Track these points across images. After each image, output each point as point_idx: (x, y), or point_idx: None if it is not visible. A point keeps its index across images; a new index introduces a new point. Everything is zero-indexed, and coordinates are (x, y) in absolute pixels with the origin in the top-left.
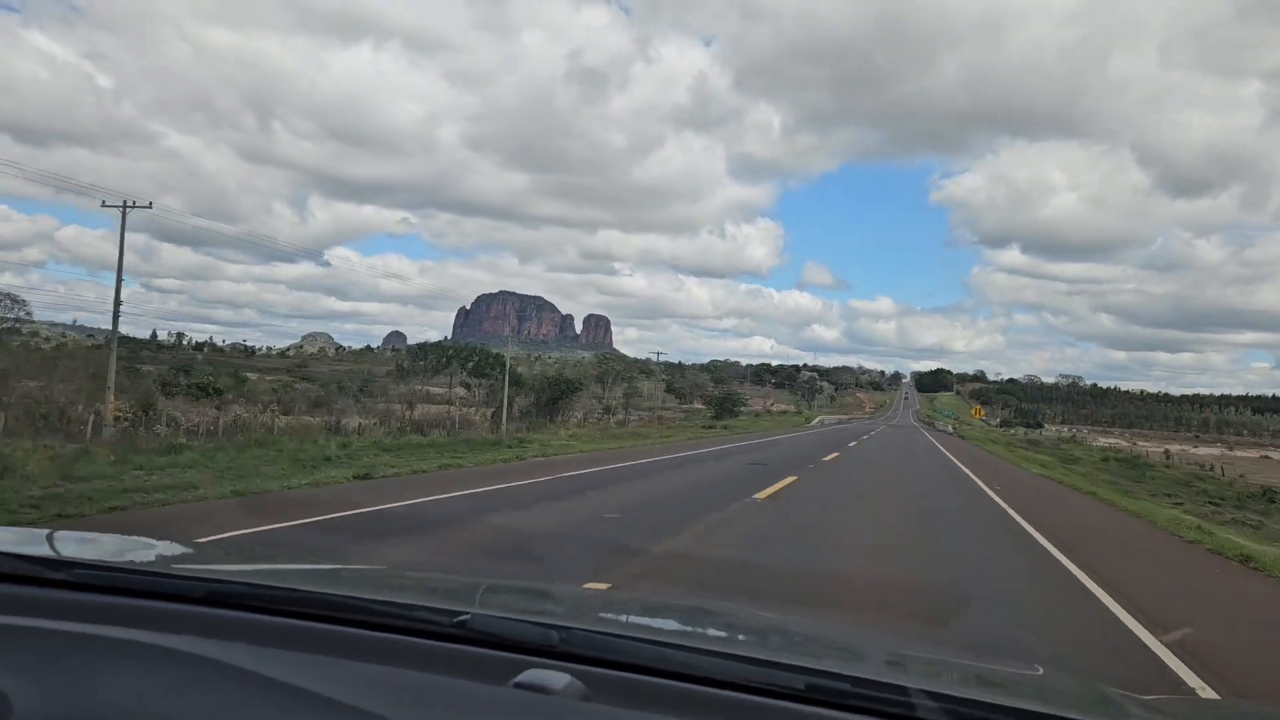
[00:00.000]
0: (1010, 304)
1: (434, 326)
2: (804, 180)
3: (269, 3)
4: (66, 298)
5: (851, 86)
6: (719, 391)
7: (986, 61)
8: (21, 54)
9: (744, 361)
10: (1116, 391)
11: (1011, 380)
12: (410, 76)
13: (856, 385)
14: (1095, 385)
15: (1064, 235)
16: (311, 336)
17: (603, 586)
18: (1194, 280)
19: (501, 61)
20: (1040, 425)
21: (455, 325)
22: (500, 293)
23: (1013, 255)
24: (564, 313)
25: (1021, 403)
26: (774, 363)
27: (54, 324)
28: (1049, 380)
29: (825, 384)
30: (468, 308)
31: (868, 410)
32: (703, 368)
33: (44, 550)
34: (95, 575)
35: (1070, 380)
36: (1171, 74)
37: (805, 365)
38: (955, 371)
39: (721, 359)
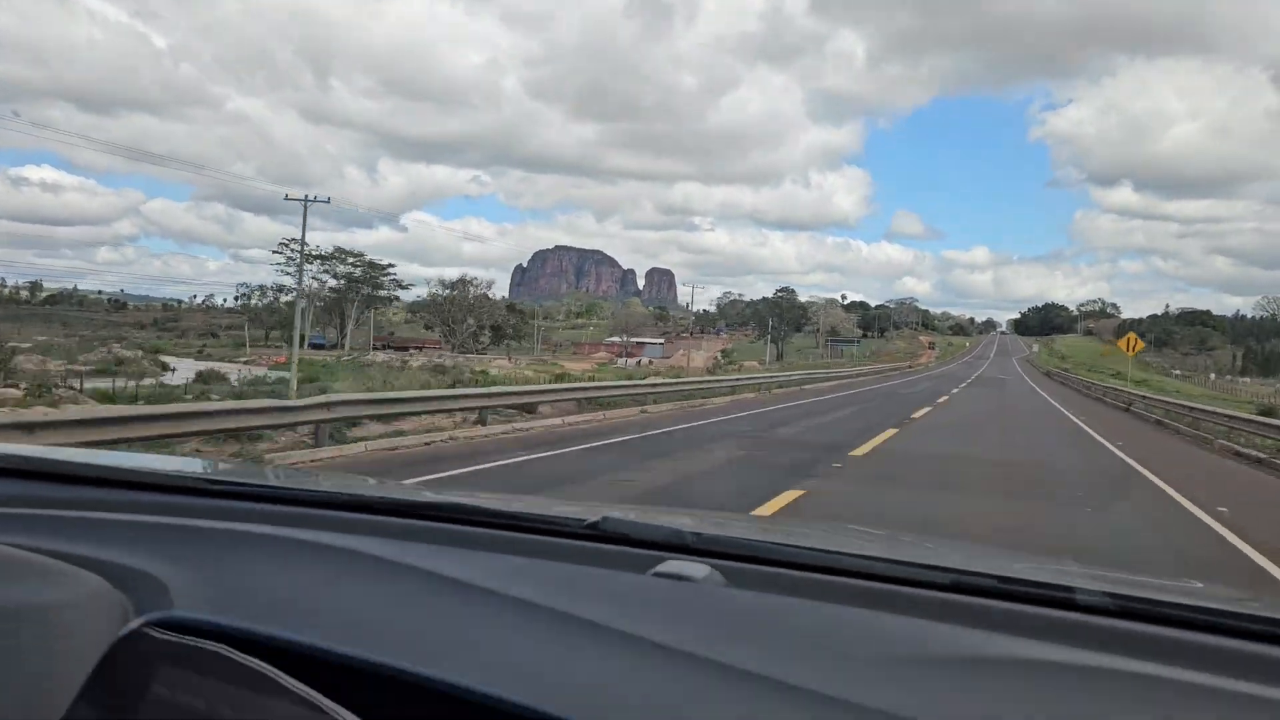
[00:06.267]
0: (1116, 249)
1: (499, 287)
2: (892, 119)
3: None
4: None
5: (943, 2)
6: None
7: None
8: (74, 17)
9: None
10: None
11: (1156, 316)
12: (466, 21)
13: (925, 326)
14: None
15: (1182, 170)
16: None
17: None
18: None
19: None
20: None
21: (512, 284)
22: (556, 248)
23: (1124, 194)
24: (625, 267)
25: (1231, 343)
26: (805, 297)
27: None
28: (1222, 312)
29: (821, 317)
30: (524, 265)
31: (923, 359)
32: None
33: (203, 470)
34: (246, 488)
35: None
36: None
37: (823, 299)
38: (1072, 309)
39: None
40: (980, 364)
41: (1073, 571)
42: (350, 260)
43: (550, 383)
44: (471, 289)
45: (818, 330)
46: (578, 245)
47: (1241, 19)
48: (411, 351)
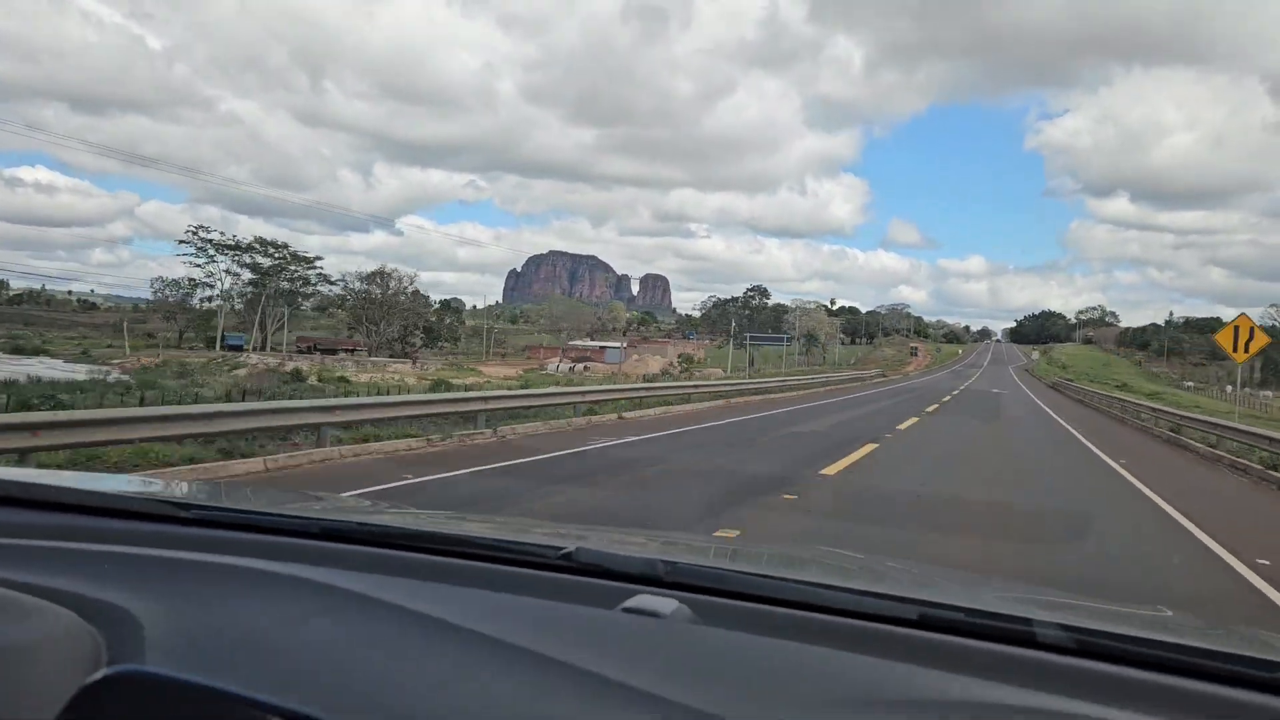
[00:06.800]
0: (1111, 259)
1: (493, 293)
2: (888, 127)
3: None
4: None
5: (940, 10)
6: None
7: None
8: (68, 16)
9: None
10: None
11: (1158, 326)
12: (462, 23)
13: (917, 333)
14: None
15: (1177, 181)
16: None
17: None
18: None
19: (557, 2)
20: None
21: (505, 288)
22: (550, 253)
23: (1119, 204)
24: (620, 273)
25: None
26: (772, 301)
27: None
28: (1225, 317)
29: (796, 322)
30: (518, 270)
31: (909, 367)
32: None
33: (174, 494)
34: (218, 514)
35: None
36: None
37: (810, 303)
38: (1070, 318)
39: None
40: (971, 373)
41: (1041, 601)
42: (271, 252)
43: (387, 394)
44: (392, 283)
45: (797, 334)
46: (572, 251)
47: (1238, 30)
48: (341, 355)
